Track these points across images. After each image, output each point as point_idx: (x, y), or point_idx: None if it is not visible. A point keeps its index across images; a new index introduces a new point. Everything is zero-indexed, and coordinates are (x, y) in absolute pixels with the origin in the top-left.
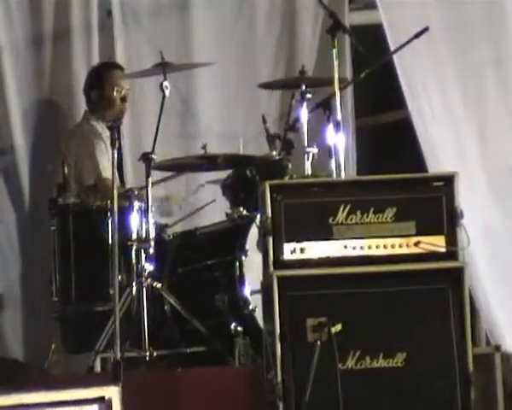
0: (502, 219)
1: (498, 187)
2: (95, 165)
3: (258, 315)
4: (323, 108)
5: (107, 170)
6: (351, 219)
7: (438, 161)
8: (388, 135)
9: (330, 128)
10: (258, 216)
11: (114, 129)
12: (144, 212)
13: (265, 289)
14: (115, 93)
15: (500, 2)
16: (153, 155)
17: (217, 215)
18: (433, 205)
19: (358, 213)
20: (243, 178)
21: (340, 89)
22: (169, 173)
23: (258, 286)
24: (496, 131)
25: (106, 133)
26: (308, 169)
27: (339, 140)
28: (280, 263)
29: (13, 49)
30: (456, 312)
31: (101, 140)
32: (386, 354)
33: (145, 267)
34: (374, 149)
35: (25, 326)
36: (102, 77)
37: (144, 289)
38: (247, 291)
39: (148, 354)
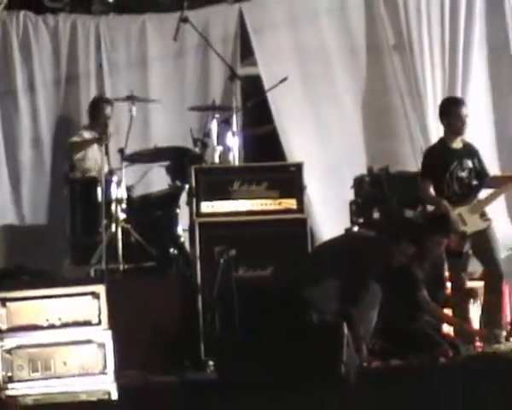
0: (333, 189)
1: (331, 170)
2: (89, 155)
3: (186, 244)
4: (225, 123)
5: (98, 158)
6: (242, 188)
7: (293, 155)
8: (265, 139)
9: (229, 135)
10: (187, 186)
11: (102, 136)
12: (119, 183)
13: (191, 229)
14: (99, 118)
15: (330, 58)
16: (125, 150)
17: (163, 185)
18: (290, 180)
19: (246, 184)
20: (179, 164)
21: (236, 112)
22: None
23: (186, 227)
24: (331, 140)
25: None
26: (216, 159)
27: (234, 142)
28: (200, 214)
29: (43, 86)
30: (301, 242)
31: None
32: (261, 267)
33: (120, 216)
34: (256, 147)
35: (49, 250)
36: (93, 108)
37: (119, 229)
38: (180, 230)
39: (121, 266)
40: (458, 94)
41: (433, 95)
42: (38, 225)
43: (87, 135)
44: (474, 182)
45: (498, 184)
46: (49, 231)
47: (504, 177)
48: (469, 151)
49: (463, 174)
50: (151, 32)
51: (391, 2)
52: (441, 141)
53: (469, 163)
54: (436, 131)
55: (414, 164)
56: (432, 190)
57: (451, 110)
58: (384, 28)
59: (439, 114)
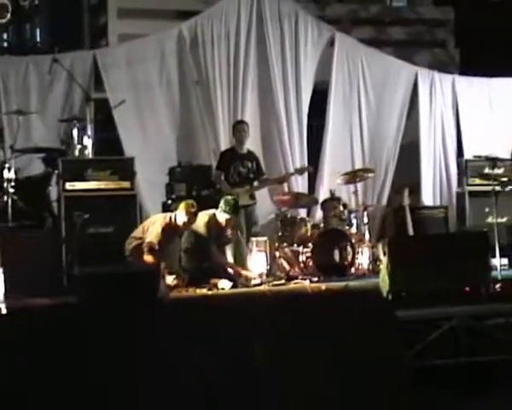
0: (155, 176)
1: (153, 163)
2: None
3: (55, 210)
4: (83, 130)
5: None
6: (93, 173)
7: (128, 152)
8: (111, 141)
9: (85, 138)
10: (56, 171)
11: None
12: (10, 168)
13: (59, 200)
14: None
15: (154, 88)
16: (14, 146)
17: (40, 170)
18: (125, 169)
19: (96, 171)
20: (51, 156)
21: (90, 123)
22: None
23: (56, 198)
24: (153, 143)
25: None
26: (76, 154)
27: (89, 143)
28: (65, 190)
29: None
30: (132, 210)
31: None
32: (105, 227)
33: (10, 190)
34: (104, 146)
35: None
36: None
37: (9, 198)
38: (51, 200)
39: (10, 224)
40: (239, 116)
41: (221, 115)
42: None
43: None
44: (251, 176)
45: (265, 181)
46: None
47: (270, 179)
48: (250, 156)
49: (243, 170)
50: (32, 67)
51: (195, 52)
52: (232, 147)
53: (249, 164)
54: (224, 138)
55: (208, 160)
56: (222, 177)
57: (240, 128)
58: (190, 68)
59: (232, 129)
